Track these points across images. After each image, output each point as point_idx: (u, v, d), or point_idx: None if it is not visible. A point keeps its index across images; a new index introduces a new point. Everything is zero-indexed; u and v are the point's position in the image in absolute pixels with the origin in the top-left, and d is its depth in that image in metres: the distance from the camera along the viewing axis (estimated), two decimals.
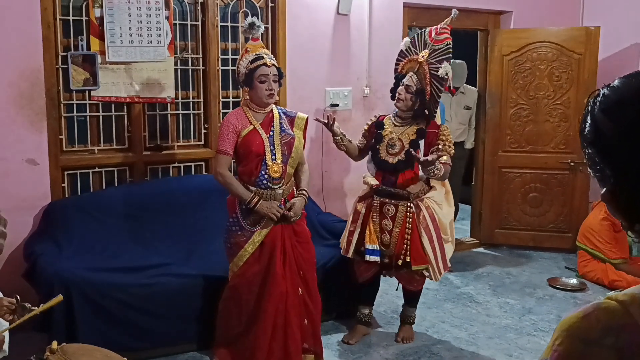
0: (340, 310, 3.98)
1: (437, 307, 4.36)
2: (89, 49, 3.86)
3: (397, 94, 3.59)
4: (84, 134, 4.01)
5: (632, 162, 0.82)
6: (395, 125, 3.65)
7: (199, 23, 4.26)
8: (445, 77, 3.52)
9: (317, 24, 4.62)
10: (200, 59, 4.29)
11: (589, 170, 0.92)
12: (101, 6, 3.84)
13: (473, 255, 5.65)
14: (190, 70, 4.30)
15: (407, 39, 3.72)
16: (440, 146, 3.46)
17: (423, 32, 3.66)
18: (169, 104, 4.20)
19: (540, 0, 5.61)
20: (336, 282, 3.81)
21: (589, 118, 0.89)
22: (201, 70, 4.31)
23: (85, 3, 3.86)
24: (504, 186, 5.68)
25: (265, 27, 4.51)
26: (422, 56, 3.57)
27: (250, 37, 3.27)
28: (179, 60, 4.20)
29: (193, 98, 4.33)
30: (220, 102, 4.36)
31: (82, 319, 3.16)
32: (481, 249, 5.80)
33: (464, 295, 4.60)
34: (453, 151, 3.57)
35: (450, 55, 3.57)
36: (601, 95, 0.89)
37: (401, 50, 3.73)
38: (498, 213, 5.73)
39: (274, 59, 3.27)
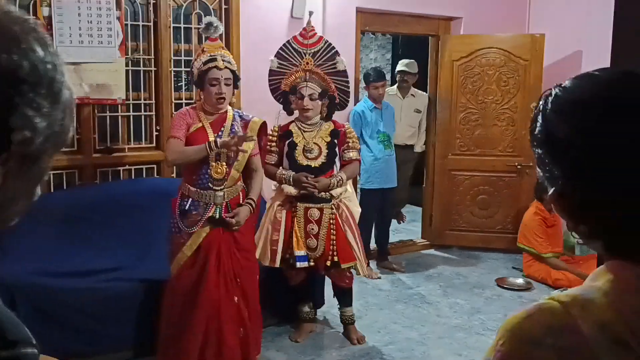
0: (294, 313, 3.97)
1: (389, 308, 4.42)
2: None
3: (303, 107, 3.63)
4: None
5: (581, 163, 0.83)
6: (305, 131, 3.69)
7: (151, 24, 4.20)
8: (345, 68, 3.66)
9: (271, 26, 4.62)
10: (152, 60, 4.23)
11: (538, 170, 0.91)
12: (49, 5, 3.75)
13: (424, 257, 5.76)
14: (141, 72, 4.24)
15: (273, 59, 3.73)
16: (350, 143, 3.71)
17: (288, 44, 3.70)
18: (119, 106, 4.13)
19: (489, 7, 5.76)
20: (288, 285, 3.81)
21: (539, 118, 0.89)
22: (153, 72, 4.25)
23: (32, 2, 3.74)
24: (454, 188, 5.80)
25: None
26: (307, 63, 3.64)
27: (208, 37, 3.23)
28: (130, 61, 4.14)
29: (144, 100, 4.27)
30: (173, 104, 4.31)
31: (27, 325, 3.04)
32: (432, 250, 5.91)
33: (415, 296, 4.68)
34: (359, 146, 3.84)
35: (335, 48, 3.66)
36: (553, 95, 0.88)
37: (272, 71, 3.74)
38: (448, 215, 5.85)
39: (230, 60, 3.19)
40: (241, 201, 3.28)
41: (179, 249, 3.16)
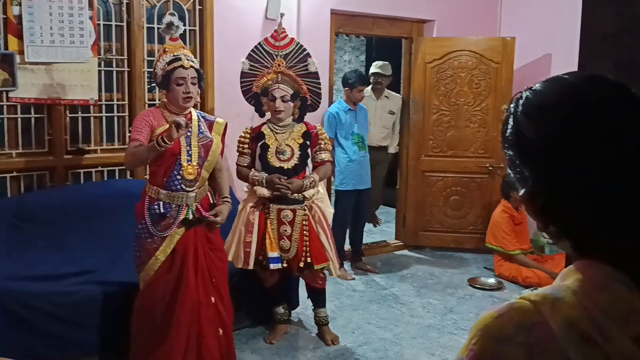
0: (268, 315, 3.98)
1: (363, 308, 4.45)
2: (6, 48, 3.70)
3: (275, 109, 3.64)
4: (0, 137, 3.83)
5: (550, 165, 0.85)
6: (277, 133, 3.70)
7: (124, 24, 4.16)
8: (316, 70, 3.69)
9: (245, 27, 4.62)
10: (126, 60, 4.20)
11: (509, 172, 0.93)
12: (20, 4, 3.69)
13: (398, 257, 5.80)
14: (114, 72, 4.20)
15: (245, 60, 3.73)
16: (322, 145, 3.74)
17: (260, 46, 3.71)
18: (91, 106, 4.09)
19: (461, 10, 5.84)
20: (262, 286, 3.81)
21: (511, 120, 0.91)
22: (126, 72, 4.21)
23: (2, 0, 3.69)
24: (427, 190, 5.86)
25: (192, 29, 4.48)
26: (279, 65, 3.66)
27: (169, 37, 3.18)
28: (102, 62, 4.10)
29: (117, 100, 4.23)
30: (146, 105, 4.27)
31: None
32: (406, 251, 5.96)
33: (389, 297, 4.72)
34: (331, 147, 3.88)
35: (306, 50, 3.69)
36: (524, 98, 0.90)
37: (244, 73, 3.74)
38: (422, 216, 5.90)
39: (193, 60, 3.17)
40: (212, 200, 3.28)
41: (150, 255, 3.08)
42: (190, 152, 3.11)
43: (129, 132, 4.21)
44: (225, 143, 3.37)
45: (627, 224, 0.83)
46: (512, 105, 0.92)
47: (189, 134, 3.12)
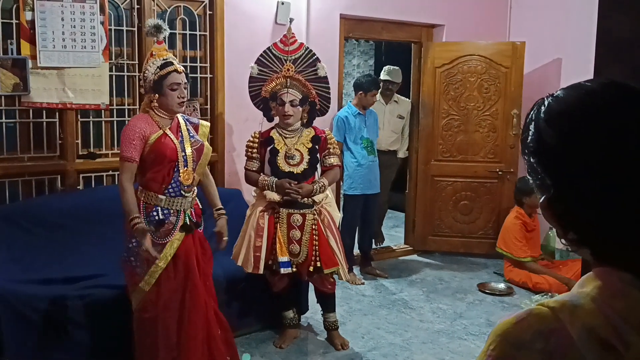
0: (278, 319, 3.97)
1: (372, 313, 4.44)
2: (19, 53, 3.73)
3: (284, 113, 3.64)
4: (13, 140, 3.86)
5: (570, 171, 0.84)
6: (286, 137, 3.70)
7: (135, 29, 4.19)
8: (326, 74, 3.70)
9: (255, 33, 4.64)
10: (137, 65, 4.22)
11: (529, 178, 0.93)
12: (32, 9, 3.72)
13: (407, 262, 5.79)
14: (125, 77, 4.22)
15: (254, 65, 3.73)
16: (331, 149, 3.75)
17: (269, 51, 3.73)
18: (103, 111, 4.11)
19: (471, 15, 5.83)
20: (272, 291, 3.81)
21: (532, 127, 0.90)
22: (137, 77, 4.24)
23: (15, 6, 3.72)
24: (436, 194, 5.84)
25: (203, 34, 4.50)
26: (288, 70, 3.67)
27: (155, 40, 3.13)
28: (114, 66, 4.12)
29: (128, 105, 4.25)
30: None
31: (9, 333, 3.03)
32: (415, 256, 5.94)
33: (398, 302, 4.70)
34: (339, 151, 3.87)
35: (316, 55, 3.70)
36: (545, 104, 0.90)
37: (252, 77, 3.75)
38: (431, 220, 5.89)
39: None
40: (201, 206, 3.28)
41: (151, 264, 3.02)
42: (185, 157, 3.08)
43: None
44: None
45: (631, 228, 0.83)
46: (533, 112, 0.92)
47: (181, 138, 3.11)
